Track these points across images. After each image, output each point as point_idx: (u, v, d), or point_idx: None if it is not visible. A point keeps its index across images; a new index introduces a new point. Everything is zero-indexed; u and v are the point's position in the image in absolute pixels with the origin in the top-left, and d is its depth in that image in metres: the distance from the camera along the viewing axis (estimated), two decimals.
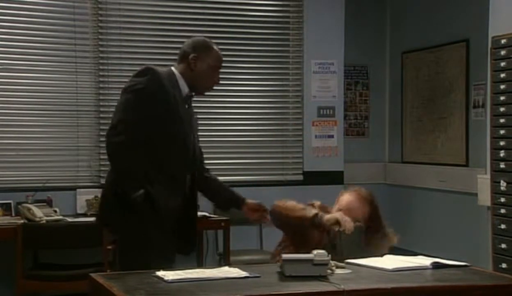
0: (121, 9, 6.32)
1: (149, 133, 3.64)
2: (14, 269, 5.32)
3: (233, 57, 6.64)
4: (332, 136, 6.90)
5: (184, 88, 3.83)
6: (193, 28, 6.55)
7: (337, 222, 3.59)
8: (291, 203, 3.82)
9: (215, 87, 6.97)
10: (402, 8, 7.56)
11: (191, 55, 3.82)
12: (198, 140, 3.97)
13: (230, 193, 4.06)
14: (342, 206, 3.79)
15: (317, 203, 3.87)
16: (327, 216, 3.65)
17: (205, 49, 3.86)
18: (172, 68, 3.87)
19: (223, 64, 3.91)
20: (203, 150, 7.03)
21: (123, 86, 3.76)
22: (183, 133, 3.78)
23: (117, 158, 3.65)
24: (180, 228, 3.79)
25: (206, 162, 7.07)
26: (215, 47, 3.91)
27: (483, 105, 6.27)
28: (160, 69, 3.77)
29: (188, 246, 3.88)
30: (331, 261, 3.08)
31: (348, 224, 3.56)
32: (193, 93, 3.88)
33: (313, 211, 3.69)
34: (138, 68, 3.81)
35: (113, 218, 3.71)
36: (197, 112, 6.54)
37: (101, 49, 6.27)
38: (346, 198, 3.83)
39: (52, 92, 6.16)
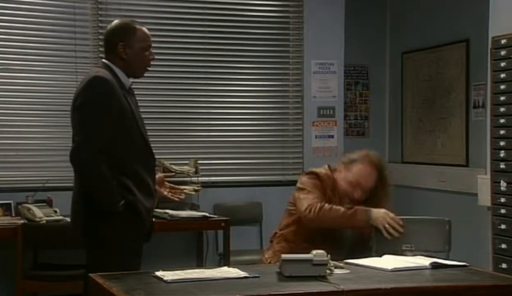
0: (121, 9, 6.32)
1: (115, 143, 3.58)
2: (14, 269, 5.32)
3: (233, 57, 6.65)
4: (332, 136, 6.89)
5: (126, 81, 3.71)
6: (193, 28, 6.56)
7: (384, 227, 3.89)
8: (336, 211, 3.95)
9: (215, 88, 6.98)
10: (402, 8, 7.55)
11: (119, 44, 3.68)
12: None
13: None
14: (353, 178, 4.11)
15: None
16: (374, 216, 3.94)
17: (129, 33, 3.71)
18: (106, 61, 3.73)
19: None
20: (204, 150, 7.03)
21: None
22: (144, 135, 3.73)
23: (93, 175, 3.57)
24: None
25: (207, 161, 7.05)
26: (138, 26, 3.75)
27: (483, 106, 6.27)
28: (106, 75, 3.63)
29: (150, 234, 3.87)
30: (330, 261, 3.08)
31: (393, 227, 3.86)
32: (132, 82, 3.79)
33: (359, 210, 3.94)
34: None
35: (98, 228, 3.64)
36: (196, 112, 6.64)
37: (101, 49, 6.24)
38: (359, 169, 4.17)
39: (52, 92, 6.15)
